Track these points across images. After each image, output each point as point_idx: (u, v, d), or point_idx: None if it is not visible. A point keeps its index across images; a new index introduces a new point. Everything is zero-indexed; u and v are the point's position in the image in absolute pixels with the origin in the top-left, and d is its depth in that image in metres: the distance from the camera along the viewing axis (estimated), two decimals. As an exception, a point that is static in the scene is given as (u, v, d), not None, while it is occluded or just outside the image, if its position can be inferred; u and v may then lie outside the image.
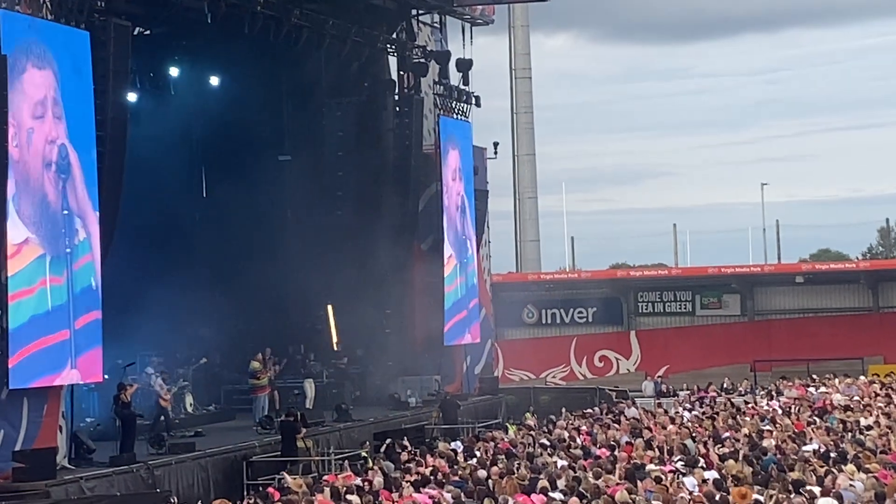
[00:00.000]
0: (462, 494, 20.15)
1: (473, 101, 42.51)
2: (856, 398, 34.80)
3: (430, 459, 25.53)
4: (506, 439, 29.36)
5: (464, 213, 42.14)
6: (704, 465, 22.29)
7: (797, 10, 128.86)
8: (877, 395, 35.86)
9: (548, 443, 27.69)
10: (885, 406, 32.07)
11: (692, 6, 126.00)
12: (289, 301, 39.59)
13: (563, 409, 36.14)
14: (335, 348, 40.18)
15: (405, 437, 30.19)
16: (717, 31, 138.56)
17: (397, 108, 40.18)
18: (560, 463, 23.61)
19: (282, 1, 34.36)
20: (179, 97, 39.61)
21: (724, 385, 43.50)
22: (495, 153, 45.47)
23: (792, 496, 18.32)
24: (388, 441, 29.52)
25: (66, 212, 26.50)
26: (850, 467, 21.01)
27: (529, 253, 64.95)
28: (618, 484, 20.15)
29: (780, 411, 32.53)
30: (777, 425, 28.80)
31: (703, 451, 24.42)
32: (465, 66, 41.64)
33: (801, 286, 55.16)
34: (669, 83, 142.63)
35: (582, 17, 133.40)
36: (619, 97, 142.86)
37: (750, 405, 34.95)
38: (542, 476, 21.48)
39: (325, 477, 24.45)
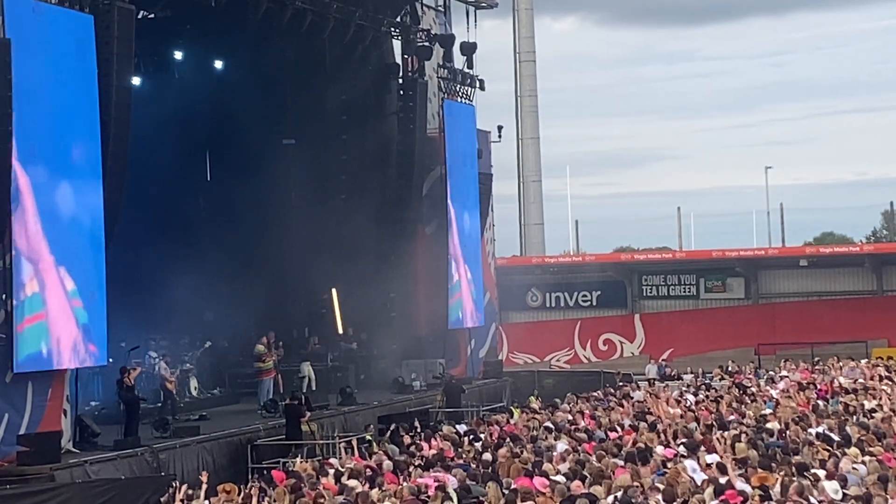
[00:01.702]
0: (467, 477, 20.17)
1: (477, 85, 42.50)
2: (860, 381, 34.77)
3: (434, 443, 25.54)
4: (511, 422, 29.36)
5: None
6: (706, 449, 22.25)
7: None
8: (881, 377, 35.82)
9: (552, 426, 27.67)
10: (890, 389, 32.03)
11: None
12: (293, 284, 39.59)
13: (567, 393, 36.11)
14: (340, 331, 40.18)
15: (410, 421, 30.18)
16: (723, 14, 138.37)
17: (401, 92, 40.10)
18: (563, 446, 23.60)
19: (285, -16, 34.37)
20: (183, 81, 39.61)
21: (729, 368, 43.42)
22: (499, 136, 45.54)
23: (796, 479, 18.30)
24: (393, 426, 29.55)
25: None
26: (854, 450, 21.00)
27: (534, 236, 64.90)
28: (621, 467, 20.17)
29: (784, 394, 32.47)
30: (781, 407, 28.78)
31: (706, 434, 24.37)
32: (469, 49, 41.64)
33: (805, 269, 55.04)
34: (675, 66, 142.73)
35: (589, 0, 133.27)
36: (624, 80, 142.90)
37: (751, 388, 34.89)
38: (545, 459, 21.48)
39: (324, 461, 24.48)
